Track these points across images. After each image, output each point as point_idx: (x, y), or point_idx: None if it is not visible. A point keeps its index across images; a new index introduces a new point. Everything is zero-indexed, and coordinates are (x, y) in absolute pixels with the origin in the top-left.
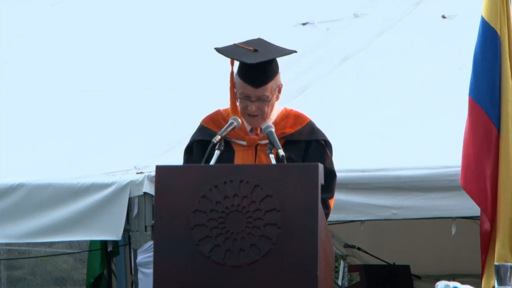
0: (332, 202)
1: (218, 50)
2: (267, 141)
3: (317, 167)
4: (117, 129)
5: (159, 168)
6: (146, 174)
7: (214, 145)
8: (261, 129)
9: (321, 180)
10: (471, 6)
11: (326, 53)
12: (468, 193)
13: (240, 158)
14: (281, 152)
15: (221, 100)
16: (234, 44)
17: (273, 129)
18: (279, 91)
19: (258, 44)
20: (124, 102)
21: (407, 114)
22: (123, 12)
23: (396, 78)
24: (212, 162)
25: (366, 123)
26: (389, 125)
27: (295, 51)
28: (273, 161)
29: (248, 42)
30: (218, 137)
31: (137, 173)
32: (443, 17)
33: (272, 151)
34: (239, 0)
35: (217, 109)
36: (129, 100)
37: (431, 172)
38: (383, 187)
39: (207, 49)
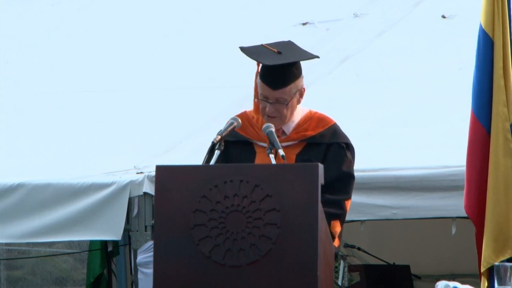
0: (348, 204)
1: (243, 49)
2: (288, 143)
3: (317, 167)
4: (117, 129)
5: (159, 168)
6: (146, 174)
7: (214, 145)
8: (283, 131)
9: (321, 180)
10: (471, 6)
11: (326, 53)
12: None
13: (260, 159)
14: (281, 152)
15: (221, 100)
16: (261, 45)
17: (273, 129)
18: (301, 95)
19: (285, 47)
20: (124, 102)
21: (407, 114)
22: (123, 12)
23: (396, 78)
24: (212, 162)
25: (366, 123)
26: (389, 125)
27: (318, 57)
28: (273, 161)
29: (276, 44)
30: (218, 137)
31: (137, 173)
32: (443, 17)
33: (272, 151)
34: (240, 0)
35: (243, 110)
36: (129, 100)
37: (431, 172)
38: (383, 187)
39: (207, 49)
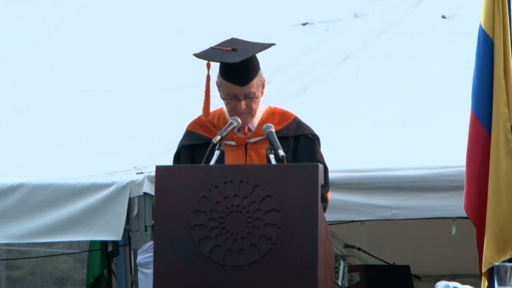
0: (329, 195)
1: (197, 55)
2: (256, 139)
3: (317, 167)
4: (117, 129)
5: (159, 168)
6: (146, 174)
7: (214, 145)
8: (248, 128)
9: (321, 180)
10: (471, 6)
11: (326, 53)
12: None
13: (231, 158)
14: (281, 152)
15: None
16: (211, 47)
17: (273, 129)
18: (263, 87)
19: (234, 43)
20: (124, 102)
21: (407, 114)
22: (123, 12)
23: (396, 78)
24: (212, 162)
25: (366, 123)
26: (389, 125)
27: (274, 44)
28: (273, 161)
29: (223, 43)
30: (218, 137)
31: (137, 173)
32: (443, 17)
33: (272, 151)
34: (240, 0)
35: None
36: (129, 101)
37: (431, 172)
38: (383, 187)
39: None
